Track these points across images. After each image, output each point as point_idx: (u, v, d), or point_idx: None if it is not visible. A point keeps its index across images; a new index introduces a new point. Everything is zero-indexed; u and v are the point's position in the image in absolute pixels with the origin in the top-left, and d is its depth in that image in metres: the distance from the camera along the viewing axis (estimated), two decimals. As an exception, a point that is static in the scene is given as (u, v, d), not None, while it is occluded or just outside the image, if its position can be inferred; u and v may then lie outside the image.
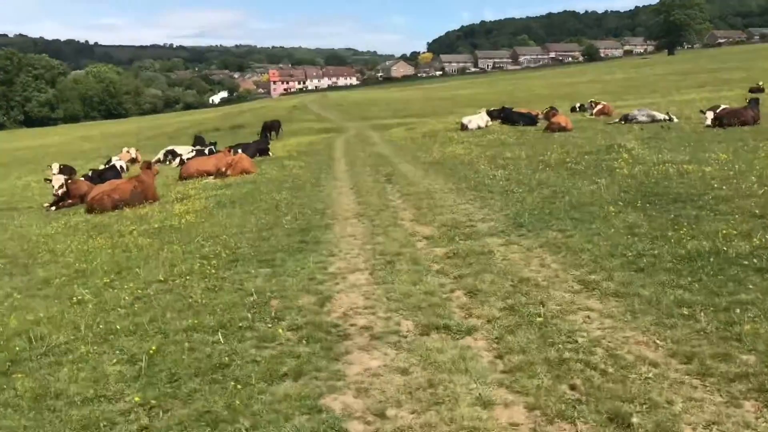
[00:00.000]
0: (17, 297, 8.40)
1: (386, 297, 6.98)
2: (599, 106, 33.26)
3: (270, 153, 28.39)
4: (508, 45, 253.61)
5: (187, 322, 6.58)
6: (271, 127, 41.96)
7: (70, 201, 18.58)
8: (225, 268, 8.80)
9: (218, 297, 7.41)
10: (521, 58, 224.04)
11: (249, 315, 6.67)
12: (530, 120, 30.39)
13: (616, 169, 14.17)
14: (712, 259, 7.07)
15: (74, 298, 7.97)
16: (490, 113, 32.90)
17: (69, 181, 18.89)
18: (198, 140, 36.43)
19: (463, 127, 30.41)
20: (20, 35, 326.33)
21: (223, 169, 21.54)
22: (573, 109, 37.71)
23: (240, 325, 6.40)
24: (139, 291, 7.99)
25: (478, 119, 31.15)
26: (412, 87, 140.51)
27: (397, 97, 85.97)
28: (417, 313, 6.41)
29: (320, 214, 12.73)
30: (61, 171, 28.62)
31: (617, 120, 27.25)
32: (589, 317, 5.96)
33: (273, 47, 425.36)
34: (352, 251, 9.35)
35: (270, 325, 6.36)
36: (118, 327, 6.66)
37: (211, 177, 21.61)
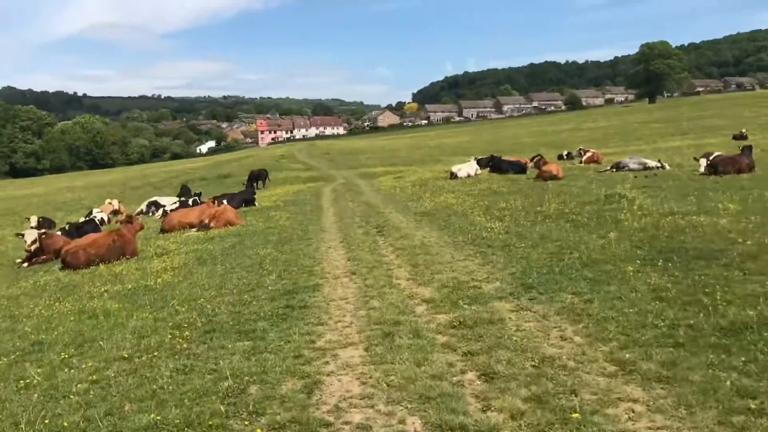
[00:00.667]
0: (-43, 379, 7.27)
1: (386, 382, 5.89)
2: (588, 154, 32.77)
3: (256, 203, 27.47)
4: (491, 95, 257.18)
5: (148, 416, 5.47)
6: (258, 177, 41.31)
7: (44, 257, 17.47)
8: (199, 341, 7.72)
9: (188, 381, 6.31)
10: (505, 107, 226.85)
11: (222, 408, 5.56)
12: (520, 168, 29.80)
13: (622, 220, 13.33)
14: (765, 333, 6.11)
15: (22, 381, 6.86)
16: (479, 162, 32.29)
17: (43, 236, 17.79)
18: (184, 190, 35.53)
19: (453, 176, 29.72)
20: (8, 87, 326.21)
21: (207, 221, 20.58)
22: (560, 157, 37.28)
23: (211, 422, 5.27)
24: (98, 373, 6.88)
25: (468, 168, 30.50)
26: (398, 136, 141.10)
27: (384, 146, 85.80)
28: (425, 405, 5.33)
29: (308, 272, 11.72)
30: (40, 224, 27.47)
31: (608, 168, 26.67)
32: (633, 411, 4.92)
33: (261, 98, 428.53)
34: (343, 319, 8.31)
35: (247, 422, 5.25)
36: (65, 423, 5.55)
37: (194, 229, 20.64)
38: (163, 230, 21.64)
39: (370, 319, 8.06)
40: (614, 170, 25.71)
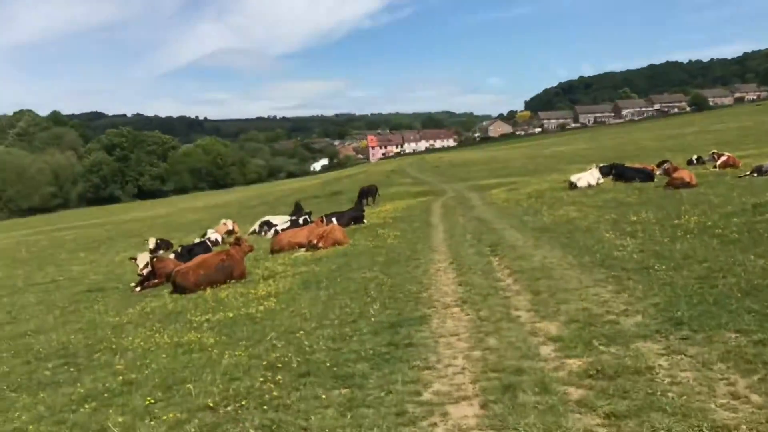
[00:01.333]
0: (40, 426, 6.79)
1: (510, 459, 4.71)
2: (723, 158, 29.72)
3: (365, 221, 26.88)
4: (608, 99, 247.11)
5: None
6: (368, 193, 41.02)
7: (155, 281, 17.54)
8: (291, 388, 6.83)
9: (273, 444, 5.42)
10: (624, 111, 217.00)
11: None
12: (647, 176, 27.36)
13: (781, 235, 11.36)
14: None
15: (99, 434, 6.25)
16: (600, 169, 30.04)
17: (154, 260, 17.91)
18: (297, 208, 35.65)
19: (572, 186, 27.82)
20: (137, 114, 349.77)
21: (315, 242, 20.09)
22: (690, 162, 34.19)
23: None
24: (178, 428, 6.14)
25: (589, 176, 28.43)
26: (510, 145, 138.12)
27: (495, 157, 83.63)
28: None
29: (414, 299, 10.67)
30: (158, 245, 28.37)
31: (747, 173, 23.91)
32: None
33: (371, 114, 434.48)
34: (454, 362, 7.13)
35: None
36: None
37: (303, 249, 20.26)
38: (272, 251, 21.44)
39: (486, 364, 6.82)
40: (755, 175, 23.01)
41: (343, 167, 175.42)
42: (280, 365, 7.69)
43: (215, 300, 13.61)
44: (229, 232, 31.91)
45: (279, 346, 8.70)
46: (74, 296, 18.16)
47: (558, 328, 7.84)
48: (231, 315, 11.52)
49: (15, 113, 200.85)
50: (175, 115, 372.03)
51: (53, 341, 11.85)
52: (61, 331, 12.95)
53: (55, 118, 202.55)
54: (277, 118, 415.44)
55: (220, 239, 28.23)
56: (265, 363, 7.91)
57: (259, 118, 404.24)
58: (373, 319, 9.47)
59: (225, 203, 74.68)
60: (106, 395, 7.57)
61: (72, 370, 9.30)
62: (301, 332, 9.29)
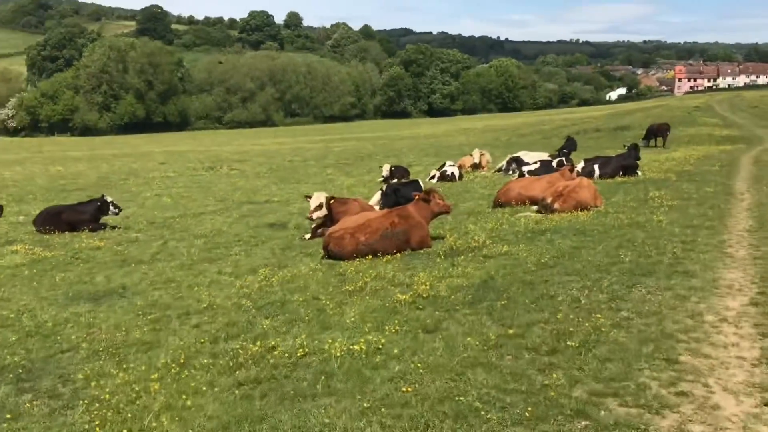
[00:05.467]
0: None
1: None
2: None
3: (639, 172, 20.18)
4: None
5: None
6: (656, 132, 33.87)
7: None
8: None
9: None
10: None
11: None
12: None
13: None
14: None
15: None
16: None
17: (332, 201, 13.74)
18: (568, 143, 29.62)
19: None
20: (442, 32, 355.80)
21: (548, 201, 14.45)
22: None
23: None
24: None
25: None
26: None
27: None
28: None
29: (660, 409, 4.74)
30: (392, 173, 24.53)
31: None
32: None
33: (684, 42, 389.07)
34: None
35: None
36: None
37: (535, 207, 14.80)
38: (496, 203, 16.25)
39: None
40: None
41: (642, 98, 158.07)
42: None
43: (359, 287, 9.11)
44: (475, 166, 27.07)
45: None
46: (249, 230, 15.26)
47: None
48: (334, 353, 6.70)
49: (332, 26, 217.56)
50: (477, 34, 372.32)
51: (90, 330, 8.08)
52: (135, 304, 9.25)
53: (366, 31, 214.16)
54: (579, 42, 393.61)
55: (457, 175, 23.67)
56: None
57: (560, 41, 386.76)
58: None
59: (501, 128, 69.69)
60: None
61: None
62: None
